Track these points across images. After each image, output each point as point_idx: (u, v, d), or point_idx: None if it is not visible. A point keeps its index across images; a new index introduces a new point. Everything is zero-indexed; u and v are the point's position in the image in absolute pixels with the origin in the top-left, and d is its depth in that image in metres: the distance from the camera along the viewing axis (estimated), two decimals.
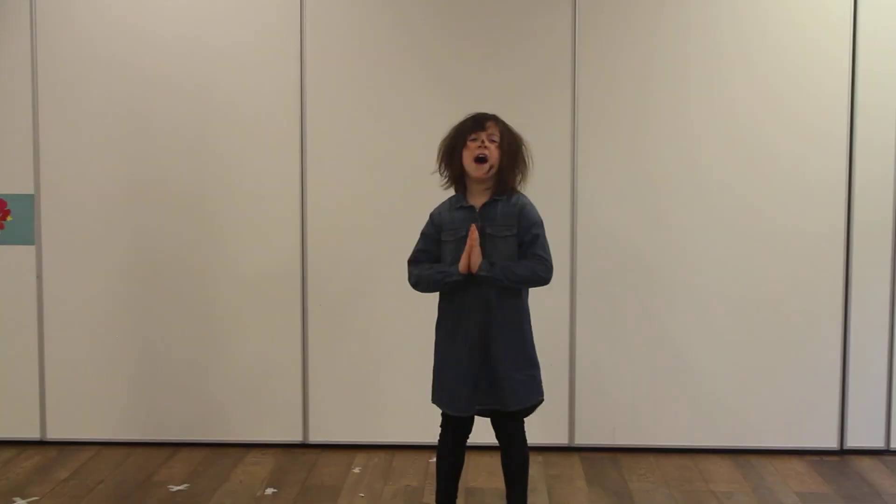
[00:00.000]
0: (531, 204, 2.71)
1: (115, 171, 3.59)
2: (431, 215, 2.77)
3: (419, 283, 2.72)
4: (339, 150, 3.56)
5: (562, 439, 3.63)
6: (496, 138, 2.64)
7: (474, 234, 2.58)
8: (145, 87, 3.57)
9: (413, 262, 2.77)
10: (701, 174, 3.56)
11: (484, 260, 2.61)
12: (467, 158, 2.65)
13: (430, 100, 3.51)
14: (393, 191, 3.55)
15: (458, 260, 2.63)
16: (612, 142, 3.56)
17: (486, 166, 2.63)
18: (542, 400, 2.70)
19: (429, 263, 2.72)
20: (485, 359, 2.63)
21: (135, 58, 3.57)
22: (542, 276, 2.68)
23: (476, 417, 2.73)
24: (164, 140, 3.57)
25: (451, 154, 2.69)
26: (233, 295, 3.61)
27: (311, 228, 3.59)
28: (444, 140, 2.72)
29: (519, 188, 2.73)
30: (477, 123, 2.67)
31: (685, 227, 3.55)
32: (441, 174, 2.73)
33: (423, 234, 2.77)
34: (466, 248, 2.59)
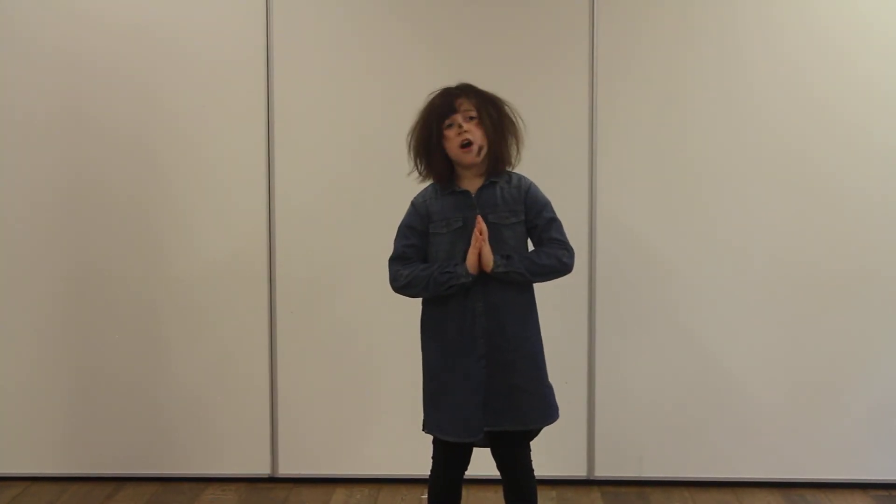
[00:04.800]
0: (535, 184, 2.46)
1: (48, 172, 3.31)
2: (414, 204, 2.47)
3: (411, 285, 2.41)
4: (312, 128, 3.27)
5: (579, 471, 3.32)
6: (473, 114, 2.37)
7: (482, 225, 2.31)
8: (85, 78, 3.28)
9: (399, 259, 2.45)
10: (747, 146, 3.21)
11: (496, 254, 2.33)
12: (451, 149, 2.38)
13: (421, 66, 3.19)
14: (378, 175, 3.24)
15: (458, 255, 2.36)
16: (639, 109, 3.23)
17: (475, 149, 2.36)
18: (558, 417, 2.47)
19: (420, 262, 2.43)
20: (495, 370, 2.37)
21: (73, 44, 3.27)
22: (567, 262, 2.43)
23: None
24: (104, 136, 3.29)
25: (428, 150, 2.40)
26: (186, 304, 3.33)
27: (279, 222, 3.29)
28: (413, 133, 2.44)
29: (516, 160, 2.46)
30: (446, 106, 2.37)
31: (727, 217, 3.24)
32: (420, 173, 2.46)
33: (406, 226, 2.47)
34: (474, 242, 2.32)
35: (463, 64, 3.17)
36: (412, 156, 2.44)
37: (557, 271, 2.42)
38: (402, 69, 3.22)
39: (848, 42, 3.18)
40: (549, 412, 2.43)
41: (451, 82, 2.46)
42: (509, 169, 2.45)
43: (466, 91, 2.40)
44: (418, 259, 2.44)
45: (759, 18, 3.18)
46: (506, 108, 2.42)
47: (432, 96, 2.42)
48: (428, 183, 2.48)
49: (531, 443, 2.47)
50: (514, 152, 2.43)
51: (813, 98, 3.18)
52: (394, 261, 2.46)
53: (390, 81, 3.23)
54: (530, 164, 2.53)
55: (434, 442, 2.46)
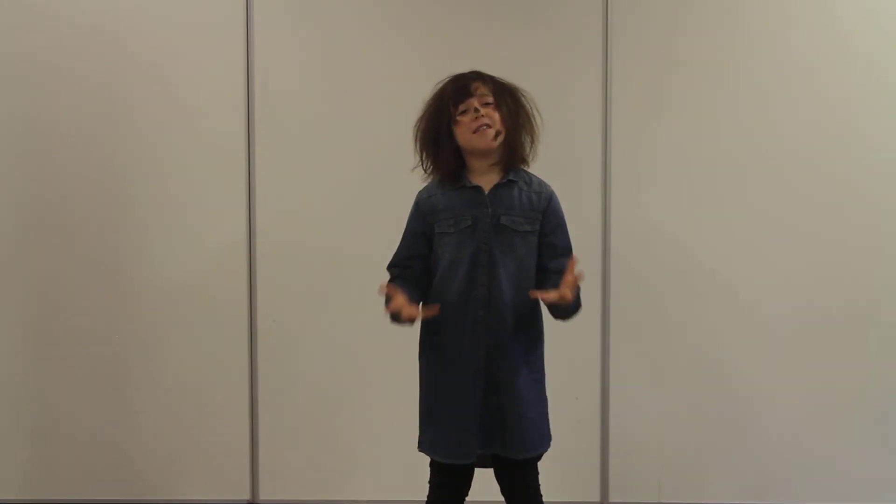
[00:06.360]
0: (556, 195, 2.34)
1: (4, 188, 3.21)
2: (417, 202, 2.34)
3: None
4: (296, 134, 3.17)
5: (592, 496, 3.22)
6: (490, 100, 2.25)
7: (573, 266, 2.17)
8: (46, 85, 3.18)
9: (394, 267, 2.36)
10: (778, 137, 3.11)
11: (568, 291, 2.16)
12: (464, 134, 2.24)
13: (416, 66, 3.08)
14: (367, 180, 3.16)
15: (460, 260, 2.23)
16: (657, 98, 3.13)
17: (492, 132, 2.23)
18: (548, 447, 2.37)
19: (408, 276, 2.32)
20: (493, 390, 2.26)
21: (34, 48, 3.18)
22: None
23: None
24: (65, 146, 3.18)
25: (437, 140, 2.28)
26: (159, 316, 3.23)
27: (260, 231, 3.19)
28: (421, 121, 2.32)
29: (532, 157, 2.34)
30: (460, 89, 2.26)
31: (755, 219, 3.14)
32: (425, 169, 2.34)
33: (406, 229, 2.36)
34: (395, 303, 2.16)
35: (467, 53, 3.07)
36: (418, 148, 2.32)
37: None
38: (394, 66, 3.13)
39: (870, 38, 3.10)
40: (544, 440, 2.31)
41: (451, 69, 2.34)
42: (525, 168, 2.33)
43: (480, 75, 2.28)
44: (417, 268, 2.32)
45: (768, 12, 3.12)
46: (523, 98, 2.30)
47: (443, 83, 2.29)
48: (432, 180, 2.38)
49: (539, 463, 2.35)
50: (529, 148, 2.31)
51: (859, 87, 3.09)
52: (392, 266, 2.35)
53: (379, 79, 3.14)
54: (537, 159, 2.42)
55: (431, 463, 2.35)
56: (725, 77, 3.11)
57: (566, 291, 2.11)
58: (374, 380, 3.19)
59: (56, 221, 3.20)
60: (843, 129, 3.11)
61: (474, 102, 2.21)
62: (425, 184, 2.35)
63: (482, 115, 2.21)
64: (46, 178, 3.19)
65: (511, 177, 2.26)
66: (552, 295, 2.12)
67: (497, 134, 2.22)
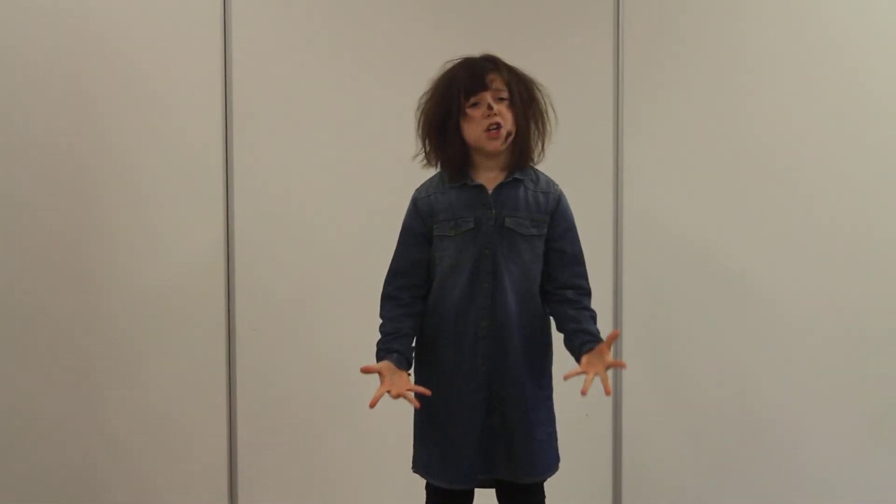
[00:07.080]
0: (565, 195, 2.26)
1: None
2: (415, 200, 2.24)
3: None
4: (277, 133, 3.08)
5: None
6: (504, 95, 2.15)
7: (614, 337, 2.10)
8: (8, 79, 3.06)
9: (396, 273, 2.25)
10: (815, 122, 3.01)
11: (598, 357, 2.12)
12: (472, 131, 2.15)
13: (410, 57, 3.00)
14: (352, 186, 3.07)
15: (461, 266, 2.16)
16: (676, 80, 3.02)
17: (503, 133, 2.15)
18: (557, 469, 2.32)
19: (403, 298, 2.22)
20: (496, 408, 2.20)
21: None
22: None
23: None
24: (30, 146, 3.07)
25: (443, 131, 2.18)
26: (131, 325, 3.13)
27: (238, 230, 3.08)
28: (426, 107, 2.22)
29: (540, 156, 2.26)
30: (475, 80, 2.15)
31: (769, 225, 3.04)
32: (428, 158, 2.26)
33: (404, 229, 2.27)
34: (381, 388, 2.12)
35: (467, 45, 2.89)
36: (421, 135, 2.23)
37: None
38: (386, 57, 3.04)
39: None
40: (552, 463, 2.24)
41: (444, 60, 2.23)
42: (532, 165, 2.26)
43: (497, 65, 2.18)
44: (420, 276, 2.22)
45: None
46: (538, 92, 2.21)
47: (453, 66, 2.19)
48: (433, 168, 2.29)
49: (546, 484, 2.28)
50: (538, 146, 2.22)
51: (889, 81, 2.97)
52: (391, 276, 2.24)
53: (369, 72, 3.05)
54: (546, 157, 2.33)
55: (427, 486, 2.28)
56: (743, 70, 3.02)
57: (605, 380, 2.01)
58: (362, 392, 2.97)
59: (19, 227, 3.09)
60: (870, 125, 3.00)
61: (488, 97, 2.12)
62: (425, 178, 2.25)
63: (494, 113, 2.12)
64: (9, 180, 3.08)
65: (517, 175, 2.18)
66: (589, 381, 2.02)
67: (508, 135, 2.15)
